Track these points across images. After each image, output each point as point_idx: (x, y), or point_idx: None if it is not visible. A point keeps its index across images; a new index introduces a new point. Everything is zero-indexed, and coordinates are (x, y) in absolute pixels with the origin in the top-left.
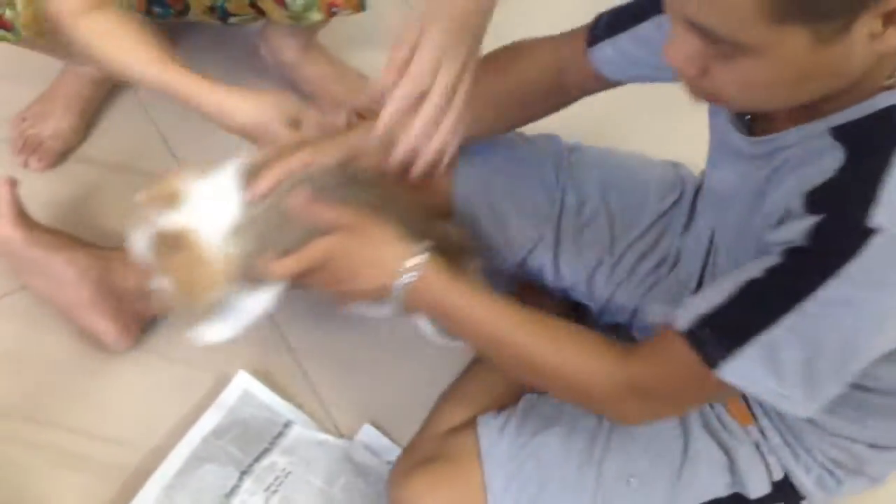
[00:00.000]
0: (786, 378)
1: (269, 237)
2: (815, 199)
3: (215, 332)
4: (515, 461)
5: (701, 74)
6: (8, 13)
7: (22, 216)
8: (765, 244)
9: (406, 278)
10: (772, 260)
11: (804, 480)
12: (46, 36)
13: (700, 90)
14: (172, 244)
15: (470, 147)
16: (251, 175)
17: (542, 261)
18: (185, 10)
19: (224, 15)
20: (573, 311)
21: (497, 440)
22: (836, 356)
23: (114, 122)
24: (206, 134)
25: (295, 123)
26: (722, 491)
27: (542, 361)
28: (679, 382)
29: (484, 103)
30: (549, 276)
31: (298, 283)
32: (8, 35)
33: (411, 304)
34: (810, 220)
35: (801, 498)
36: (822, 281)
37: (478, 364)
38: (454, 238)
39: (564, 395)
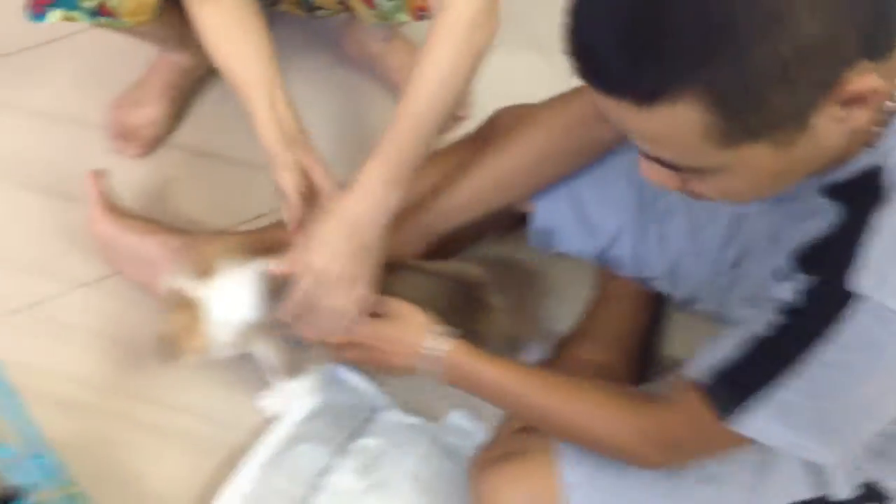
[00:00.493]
0: (801, 431)
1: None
2: (806, 259)
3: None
4: (591, 461)
5: (683, 186)
6: (112, 1)
7: (113, 207)
8: (770, 293)
9: (429, 359)
10: (774, 315)
11: (891, 484)
12: (149, 24)
13: (691, 194)
14: (181, 303)
15: None
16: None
17: (623, 251)
18: (276, 0)
19: (311, 8)
20: (657, 299)
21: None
22: (846, 414)
23: (204, 111)
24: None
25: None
26: (806, 493)
27: (570, 424)
28: (698, 433)
29: (504, 179)
30: (631, 267)
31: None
32: (114, 22)
33: (442, 380)
34: (802, 280)
35: (889, 499)
36: (814, 344)
37: (560, 361)
38: (473, 276)
39: (596, 449)
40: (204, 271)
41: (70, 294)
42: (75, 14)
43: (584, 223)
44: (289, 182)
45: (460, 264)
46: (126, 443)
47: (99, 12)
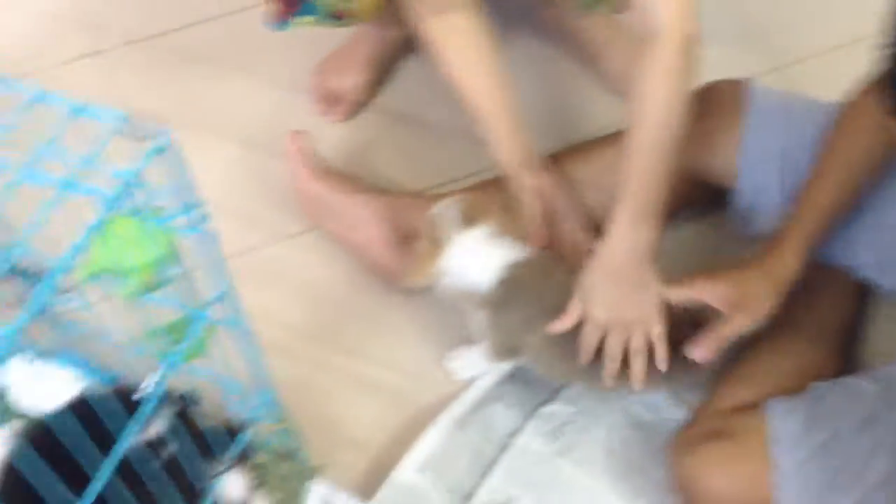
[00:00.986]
0: None
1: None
2: None
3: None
4: (805, 448)
5: None
6: (348, 4)
7: (316, 165)
8: None
9: None
10: None
11: None
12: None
13: None
14: (434, 233)
15: (760, 115)
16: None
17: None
18: None
19: None
20: (862, 290)
21: (786, 425)
22: None
23: (407, 77)
24: None
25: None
26: None
27: None
28: None
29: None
30: (838, 254)
31: None
32: (349, 22)
33: None
34: None
35: None
36: None
37: (764, 348)
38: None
39: None
40: (470, 219)
41: (275, 245)
42: (315, 19)
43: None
44: (531, 205)
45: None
46: (325, 389)
47: (337, 16)
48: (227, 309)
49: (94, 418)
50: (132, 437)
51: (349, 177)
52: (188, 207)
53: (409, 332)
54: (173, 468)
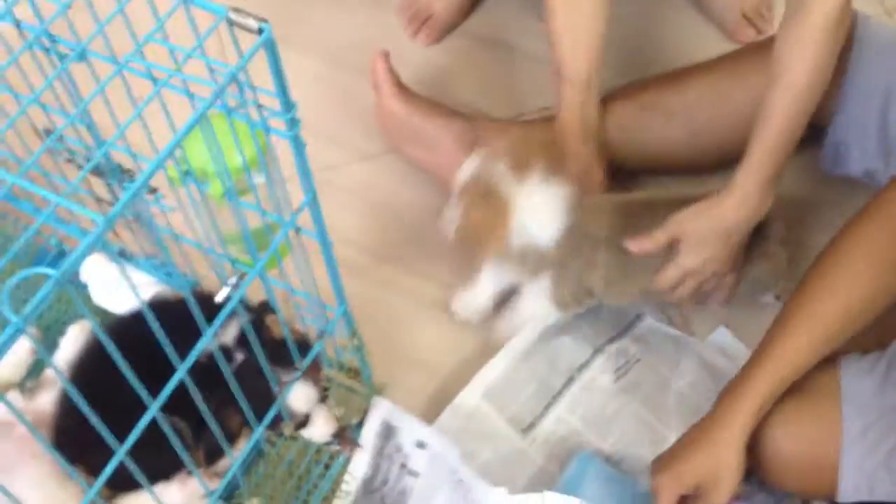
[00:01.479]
0: None
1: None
2: None
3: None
4: (876, 410)
5: None
6: None
7: (400, 87)
8: None
9: None
10: None
11: None
12: None
13: None
14: (485, 192)
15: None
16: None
17: None
18: None
19: None
20: None
21: (860, 385)
22: None
23: (498, 2)
24: None
25: None
26: None
27: None
28: None
29: None
30: None
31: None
32: None
33: None
34: None
35: None
36: None
37: None
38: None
39: None
40: (518, 166)
41: (354, 164)
42: None
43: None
44: (575, 173)
45: None
46: (394, 309)
47: None
48: (310, 218)
49: (168, 321)
50: (206, 342)
51: (432, 100)
52: (285, 109)
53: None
54: (244, 374)
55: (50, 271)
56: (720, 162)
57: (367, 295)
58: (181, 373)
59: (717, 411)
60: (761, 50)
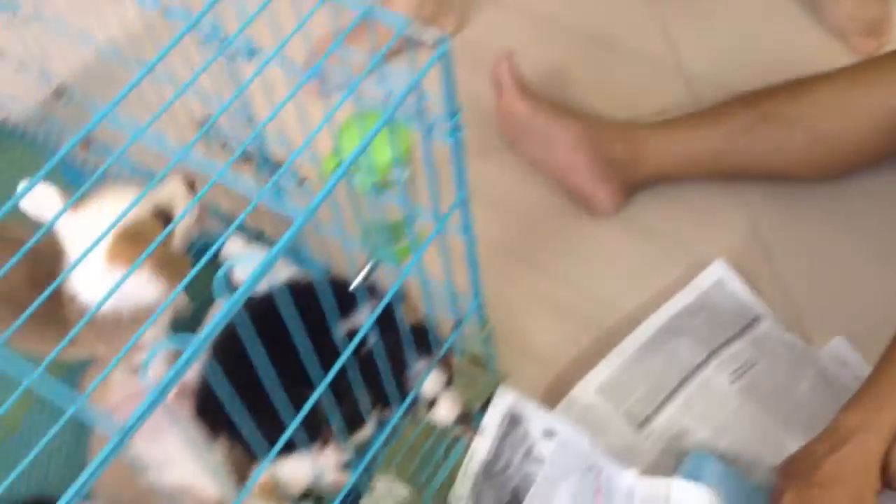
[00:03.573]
0: None
1: None
2: None
3: None
4: None
5: None
6: None
7: (523, 87)
8: None
9: None
10: None
11: None
12: None
13: None
14: None
15: None
16: None
17: None
18: None
19: None
20: None
21: None
22: None
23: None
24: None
25: None
26: None
27: None
28: None
29: None
30: None
31: None
32: None
33: None
34: None
35: None
36: None
37: None
38: None
39: None
40: None
41: (475, 160)
42: None
43: None
44: None
45: None
46: (512, 303)
47: None
48: (459, 215)
49: (302, 303)
50: (338, 326)
51: (553, 101)
52: (450, 115)
53: (599, 258)
54: (374, 361)
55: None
56: (836, 170)
57: (486, 287)
58: (345, 356)
59: (852, 420)
60: (885, 62)
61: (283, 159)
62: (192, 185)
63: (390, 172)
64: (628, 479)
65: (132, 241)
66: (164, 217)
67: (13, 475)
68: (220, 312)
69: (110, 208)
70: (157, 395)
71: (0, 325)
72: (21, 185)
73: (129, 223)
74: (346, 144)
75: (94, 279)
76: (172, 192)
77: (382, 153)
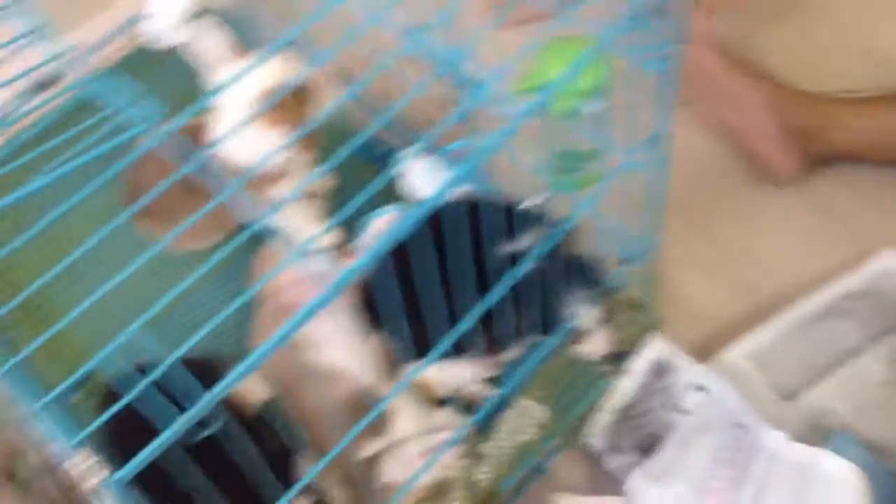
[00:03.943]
0: None
1: None
2: None
3: None
4: None
5: None
6: None
7: (716, 42)
8: None
9: None
10: None
11: None
12: None
13: None
14: None
15: None
16: None
17: None
18: None
19: None
20: None
21: None
22: None
23: None
24: None
25: None
26: None
27: None
28: None
29: None
30: None
31: None
32: None
33: None
34: None
35: None
36: None
37: None
38: None
39: None
40: None
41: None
42: None
43: None
44: None
45: None
46: (673, 257)
47: None
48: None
49: (471, 219)
50: (503, 246)
51: (745, 59)
52: (664, 43)
53: (767, 226)
54: (533, 286)
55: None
56: None
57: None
58: (508, 278)
59: None
60: None
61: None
62: None
63: (586, 100)
64: (777, 441)
65: (277, 104)
66: (301, 89)
67: (196, 337)
68: (404, 217)
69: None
70: (351, 273)
71: (160, 228)
72: None
73: (271, 89)
74: (547, 68)
75: (240, 141)
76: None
77: (583, 80)
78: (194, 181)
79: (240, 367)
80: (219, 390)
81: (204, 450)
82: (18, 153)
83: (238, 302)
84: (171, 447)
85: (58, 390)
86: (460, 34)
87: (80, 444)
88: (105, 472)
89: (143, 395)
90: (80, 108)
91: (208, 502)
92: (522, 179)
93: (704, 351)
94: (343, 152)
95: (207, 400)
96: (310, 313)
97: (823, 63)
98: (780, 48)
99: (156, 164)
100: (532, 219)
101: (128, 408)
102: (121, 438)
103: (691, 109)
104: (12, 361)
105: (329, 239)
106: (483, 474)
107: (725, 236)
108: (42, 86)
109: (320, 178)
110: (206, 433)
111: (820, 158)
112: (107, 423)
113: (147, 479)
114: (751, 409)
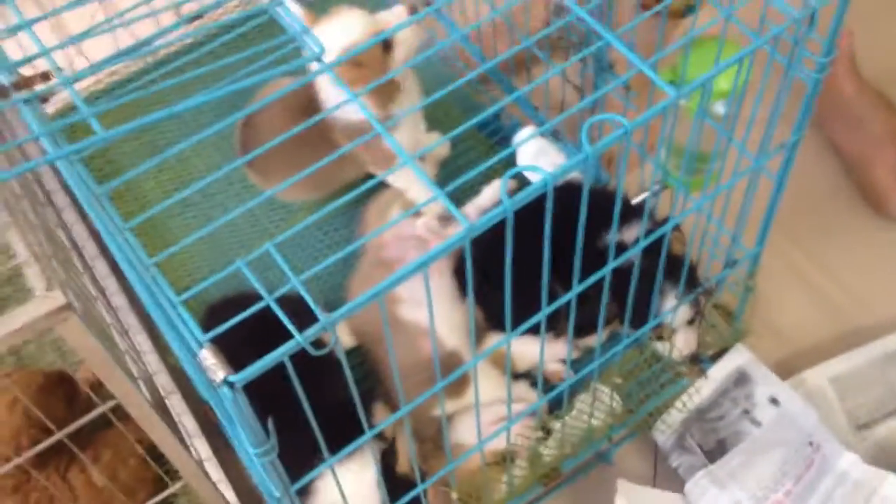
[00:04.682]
0: None
1: None
2: None
3: None
4: None
5: None
6: None
7: (855, 66)
8: None
9: None
10: None
11: None
12: None
13: None
14: None
15: None
16: None
17: None
18: None
19: None
20: None
21: None
22: None
23: None
24: None
25: None
26: None
27: None
28: None
29: None
30: None
31: None
32: None
33: None
34: None
35: None
36: None
37: None
38: None
39: None
40: None
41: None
42: None
43: None
44: None
45: None
46: (771, 272)
47: None
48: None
49: (577, 205)
50: (605, 235)
51: (880, 90)
52: (826, 53)
53: (870, 257)
54: (629, 278)
55: (625, 121)
56: None
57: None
58: (608, 268)
59: None
60: None
61: (616, 62)
62: (413, 11)
63: (721, 101)
64: (848, 461)
65: (353, 62)
66: (385, 43)
67: (307, 274)
68: (526, 190)
69: (339, 27)
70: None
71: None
72: None
73: (352, 45)
74: (693, 63)
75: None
76: (396, 16)
77: (722, 80)
78: (307, 134)
79: (352, 303)
80: (338, 314)
81: (299, 375)
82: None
83: (346, 251)
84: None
85: (193, 291)
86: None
87: (208, 342)
88: (227, 372)
89: (259, 312)
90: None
91: (294, 425)
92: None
93: (786, 368)
94: (466, 124)
95: (326, 321)
96: (414, 270)
97: None
98: None
99: (268, 115)
100: (641, 212)
101: (237, 327)
102: (226, 352)
103: (814, 129)
104: (149, 262)
105: (438, 205)
106: (548, 450)
107: (827, 261)
108: None
109: (439, 144)
110: (321, 351)
111: None
112: (219, 337)
113: (251, 391)
114: (826, 430)
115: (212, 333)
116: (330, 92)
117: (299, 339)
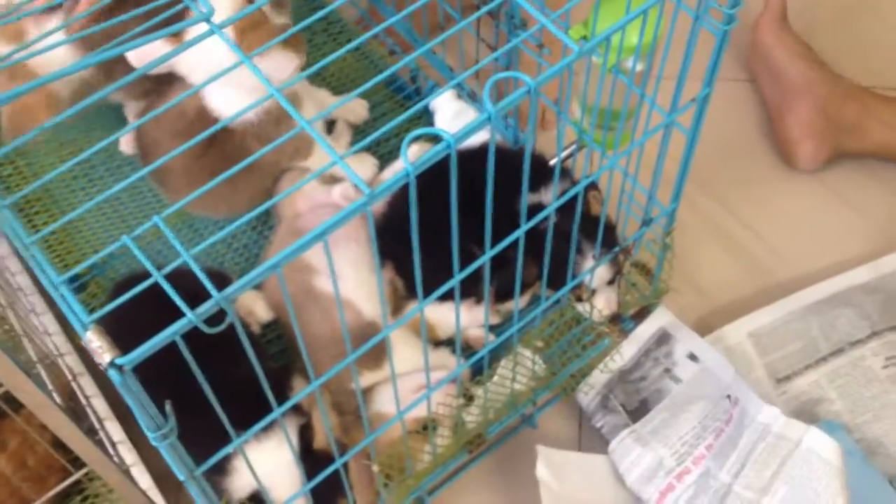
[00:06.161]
0: None
1: None
2: None
3: None
4: None
5: None
6: None
7: (782, 20)
8: None
9: None
10: None
11: None
12: None
13: None
14: None
15: None
16: None
17: None
18: None
19: None
20: None
21: None
22: None
23: None
24: None
25: None
26: None
27: None
28: None
29: None
30: None
31: None
32: None
33: None
34: None
35: None
36: None
37: None
38: None
39: None
40: None
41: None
42: None
43: None
44: None
45: None
46: (688, 228)
47: None
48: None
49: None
50: (521, 197)
51: (805, 44)
52: (731, 4)
53: (786, 211)
54: (545, 240)
55: (527, 79)
56: None
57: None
58: (522, 229)
59: None
60: None
61: (528, 20)
62: None
63: (633, 57)
64: (768, 414)
65: (254, 29)
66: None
67: (208, 242)
68: (427, 153)
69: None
70: (368, 199)
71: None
72: None
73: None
74: (602, 19)
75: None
76: None
77: (634, 35)
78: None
79: (250, 274)
80: (230, 290)
81: (206, 352)
82: None
83: (250, 215)
84: (175, 344)
85: (77, 268)
86: None
87: (94, 323)
88: (113, 355)
89: (155, 289)
90: None
91: (202, 404)
92: (553, 132)
93: (706, 325)
94: (373, 80)
95: (218, 297)
96: (314, 239)
97: (883, 61)
98: (843, 38)
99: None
100: (555, 172)
101: (135, 305)
102: (127, 332)
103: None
104: (32, 239)
105: (362, 172)
106: (472, 416)
107: (744, 216)
108: None
109: (347, 101)
110: (215, 329)
111: (850, 152)
112: (115, 316)
113: (151, 371)
114: (744, 384)
115: (96, 315)
116: (218, 94)
117: (191, 318)
